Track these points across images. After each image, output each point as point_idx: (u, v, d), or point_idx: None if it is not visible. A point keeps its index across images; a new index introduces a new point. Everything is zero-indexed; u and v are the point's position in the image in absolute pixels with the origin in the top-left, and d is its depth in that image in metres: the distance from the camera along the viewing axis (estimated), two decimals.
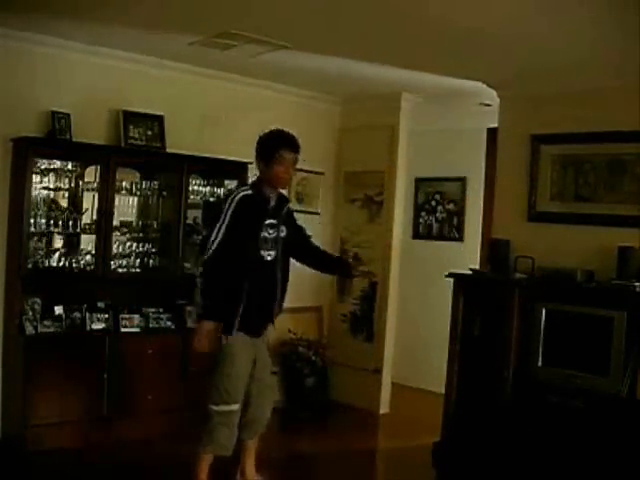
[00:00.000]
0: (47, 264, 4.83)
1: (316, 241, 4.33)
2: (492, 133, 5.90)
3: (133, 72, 5.26)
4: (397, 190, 6.21)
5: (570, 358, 4.41)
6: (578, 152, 4.88)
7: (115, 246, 5.09)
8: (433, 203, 7.37)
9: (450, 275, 5.01)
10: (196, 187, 5.49)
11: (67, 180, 4.91)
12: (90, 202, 5.00)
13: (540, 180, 5.07)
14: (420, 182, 7.39)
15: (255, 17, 4.14)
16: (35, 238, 4.79)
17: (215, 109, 5.74)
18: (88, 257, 4.97)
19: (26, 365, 4.60)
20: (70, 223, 4.92)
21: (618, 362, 4.17)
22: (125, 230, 5.19)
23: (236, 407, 3.82)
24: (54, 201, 4.89)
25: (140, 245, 5.25)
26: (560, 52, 4.27)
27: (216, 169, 5.60)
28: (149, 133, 5.28)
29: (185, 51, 4.99)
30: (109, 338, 4.96)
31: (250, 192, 3.85)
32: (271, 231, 3.87)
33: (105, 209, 4.95)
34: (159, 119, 5.34)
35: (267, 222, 3.85)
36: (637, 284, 4.22)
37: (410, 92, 6.00)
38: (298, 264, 4.18)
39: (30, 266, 4.72)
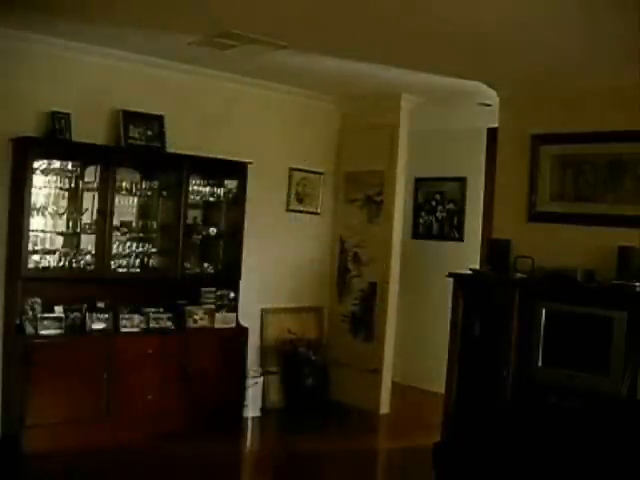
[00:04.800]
0: (47, 264, 4.83)
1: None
2: (492, 133, 5.90)
3: (133, 72, 5.26)
4: (397, 190, 6.21)
5: (570, 358, 4.41)
6: (578, 152, 4.88)
7: (115, 246, 5.09)
8: (433, 203, 7.37)
9: (450, 275, 5.01)
10: (196, 187, 5.49)
11: (67, 180, 4.91)
12: (90, 202, 5.00)
13: (540, 180, 5.07)
14: (420, 182, 7.39)
15: (255, 17, 4.14)
16: (35, 238, 4.78)
17: (215, 109, 5.74)
18: (88, 257, 4.97)
19: (26, 365, 4.59)
20: (70, 223, 4.93)
21: (618, 362, 4.17)
22: (125, 230, 5.18)
23: None
24: (54, 201, 4.89)
25: (140, 245, 5.25)
26: (560, 52, 4.26)
27: (216, 169, 5.59)
28: (149, 133, 5.28)
29: (185, 51, 4.99)
30: (109, 338, 4.96)
31: None
32: None
33: (105, 209, 4.96)
34: (159, 119, 5.34)
35: None
36: (637, 284, 4.22)
37: (410, 92, 5.99)
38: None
39: (30, 266, 4.72)
